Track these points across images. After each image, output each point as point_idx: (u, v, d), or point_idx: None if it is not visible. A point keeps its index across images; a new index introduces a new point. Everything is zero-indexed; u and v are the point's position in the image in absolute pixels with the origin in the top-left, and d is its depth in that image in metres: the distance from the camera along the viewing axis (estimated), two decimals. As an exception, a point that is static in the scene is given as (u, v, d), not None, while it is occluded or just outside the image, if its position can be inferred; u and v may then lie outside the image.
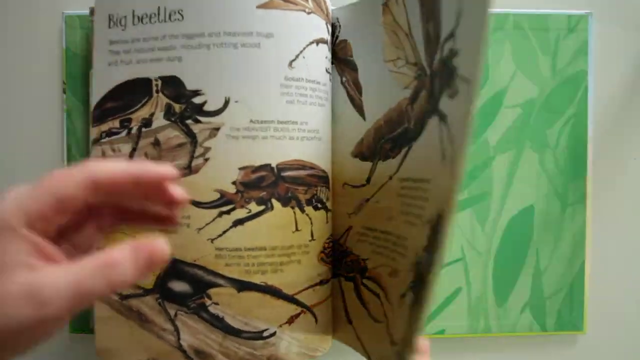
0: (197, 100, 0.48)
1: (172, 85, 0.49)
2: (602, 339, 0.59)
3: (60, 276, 0.24)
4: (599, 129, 0.58)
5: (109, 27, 0.50)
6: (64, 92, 0.54)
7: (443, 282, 0.56)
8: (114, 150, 0.50)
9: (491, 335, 0.57)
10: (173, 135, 0.49)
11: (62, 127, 0.54)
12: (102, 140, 0.50)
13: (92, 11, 0.52)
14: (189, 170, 0.48)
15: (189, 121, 0.48)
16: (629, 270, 0.59)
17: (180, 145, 0.49)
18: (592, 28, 0.56)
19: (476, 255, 0.56)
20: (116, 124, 0.50)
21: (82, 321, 0.54)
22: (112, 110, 0.50)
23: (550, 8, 0.56)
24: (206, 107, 0.48)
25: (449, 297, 0.56)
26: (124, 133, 0.50)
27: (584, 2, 0.57)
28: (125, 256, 0.26)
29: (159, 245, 0.26)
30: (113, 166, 0.28)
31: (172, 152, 0.49)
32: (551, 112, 0.56)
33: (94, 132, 0.50)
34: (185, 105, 0.48)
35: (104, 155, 0.50)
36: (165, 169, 0.29)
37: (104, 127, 0.50)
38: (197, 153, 0.48)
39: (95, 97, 0.50)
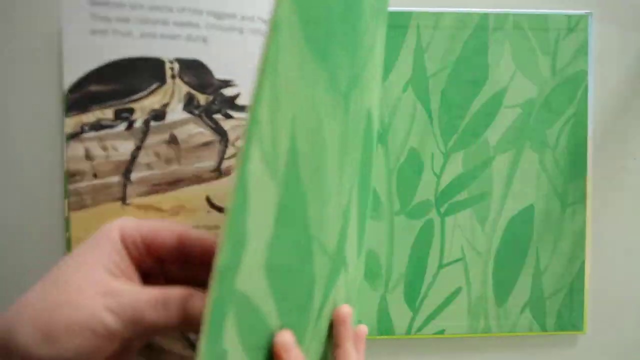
0: (227, 92, 0.41)
1: (195, 70, 0.40)
2: (602, 339, 0.59)
3: (129, 292, 0.27)
4: (599, 129, 0.58)
5: None
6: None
7: (443, 282, 0.56)
8: (104, 149, 0.41)
9: (491, 335, 0.57)
10: (196, 132, 0.41)
11: (62, 127, 0.53)
12: (85, 135, 0.40)
13: None
14: (218, 172, 0.42)
15: (217, 116, 0.41)
16: (629, 270, 0.60)
17: (206, 143, 0.41)
18: (592, 28, 0.56)
19: (476, 255, 0.56)
20: (108, 114, 0.40)
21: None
22: (100, 95, 0.40)
23: (550, 8, 0.56)
24: (239, 101, 0.41)
25: (449, 297, 0.56)
26: (121, 127, 0.40)
27: (584, 2, 0.57)
28: (176, 299, 0.27)
29: (196, 300, 0.27)
30: (203, 233, 0.31)
31: (196, 152, 0.41)
32: (551, 112, 0.56)
33: (70, 123, 0.40)
34: (213, 96, 0.41)
35: (88, 154, 0.41)
36: None
37: (87, 117, 0.40)
38: (228, 153, 0.42)
39: (69, 76, 0.39)
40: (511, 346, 0.58)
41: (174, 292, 0.27)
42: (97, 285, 0.27)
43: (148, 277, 0.31)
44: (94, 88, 0.40)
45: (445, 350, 0.57)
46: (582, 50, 0.56)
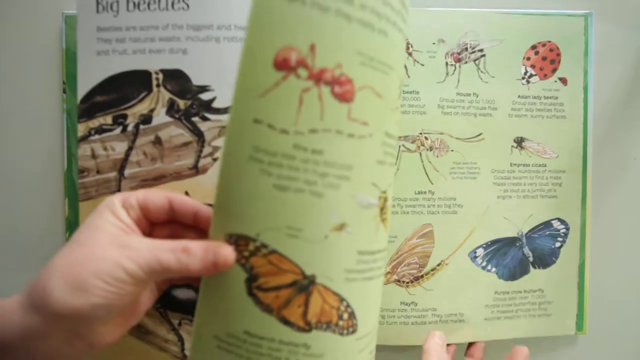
0: (205, 96, 0.46)
1: (176, 79, 0.46)
2: (602, 339, 0.59)
3: (143, 243, 0.32)
4: (599, 129, 0.58)
5: (97, 11, 0.46)
6: (64, 92, 0.53)
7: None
8: (105, 149, 0.47)
9: (491, 335, 0.57)
10: (177, 133, 0.46)
11: (62, 127, 0.54)
12: (91, 138, 0.47)
13: None
14: (195, 170, 0.46)
15: (195, 118, 0.46)
16: (629, 270, 0.60)
17: (185, 144, 0.46)
18: (592, 28, 0.56)
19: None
20: (108, 119, 0.47)
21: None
22: (102, 104, 0.47)
23: (550, 8, 0.56)
24: (215, 104, 0.46)
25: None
26: (117, 130, 0.47)
27: (584, 2, 0.57)
28: (197, 250, 0.32)
29: (225, 251, 0.33)
30: (188, 198, 0.37)
31: (176, 152, 0.47)
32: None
33: (81, 128, 0.47)
34: (191, 101, 0.46)
35: (93, 154, 0.47)
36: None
37: (93, 123, 0.47)
38: (204, 152, 0.46)
39: (81, 90, 0.47)
40: (511, 346, 0.58)
41: (196, 242, 0.33)
42: (114, 240, 0.32)
43: None
44: (98, 99, 0.47)
45: (445, 350, 0.57)
46: (582, 50, 0.56)
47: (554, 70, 0.56)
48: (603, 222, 0.58)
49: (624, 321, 0.60)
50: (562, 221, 0.57)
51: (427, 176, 0.54)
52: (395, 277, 0.54)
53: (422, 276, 0.54)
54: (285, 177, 0.32)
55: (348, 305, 0.35)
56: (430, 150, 0.54)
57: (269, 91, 0.31)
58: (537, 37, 0.55)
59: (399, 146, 0.53)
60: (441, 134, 0.54)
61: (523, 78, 0.55)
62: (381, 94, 0.34)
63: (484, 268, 0.56)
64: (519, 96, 0.55)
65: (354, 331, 0.35)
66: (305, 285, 0.34)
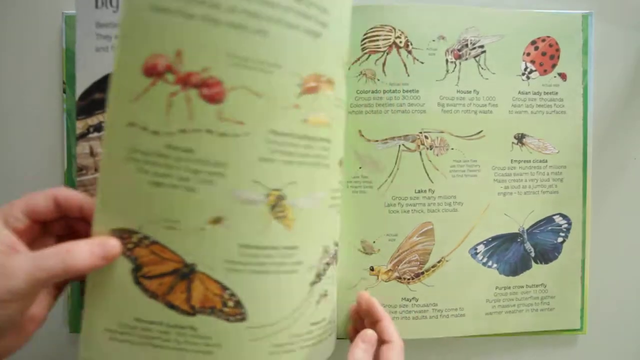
0: None
1: None
2: (602, 339, 0.59)
3: (23, 258, 0.32)
4: (599, 129, 0.58)
5: (96, 7, 0.46)
6: (64, 92, 0.53)
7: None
8: None
9: (491, 336, 0.56)
10: None
11: (62, 127, 0.54)
12: (90, 136, 0.48)
13: None
14: None
15: None
16: (629, 270, 0.59)
17: None
18: (592, 28, 0.56)
19: (476, 254, 0.56)
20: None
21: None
22: (101, 102, 0.47)
23: (550, 8, 0.56)
24: None
25: (449, 296, 0.56)
26: None
27: (584, 2, 0.57)
28: (82, 249, 0.33)
29: (111, 242, 0.35)
30: (72, 192, 0.38)
31: None
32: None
33: (80, 125, 0.48)
34: None
35: (92, 152, 0.48)
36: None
37: (92, 120, 0.47)
38: None
39: (80, 86, 0.47)
40: (511, 346, 0.58)
41: (78, 241, 0.34)
42: None
43: (61, 239, 0.38)
44: (97, 96, 0.47)
45: (445, 351, 0.57)
46: (582, 50, 0.56)
47: (554, 66, 0.56)
48: (603, 221, 0.58)
49: (624, 321, 0.60)
50: (564, 216, 0.57)
51: (427, 175, 0.54)
52: (396, 274, 0.54)
53: (422, 273, 0.54)
54: (160, 175, 0.35)
55: (233, 294, 0.37)
56: (430, 149, 0.54)
57: (140, 96, 0.34)
58: (537, 32, 0.56)
59: (399, 146, 0.53)
60: (441, 132, 0.54)
61: (523, 74, 0.55)
62: (261, 93, 0.35)
63: (484, 264, 0.55)
64: (519, 92, 0.55)
65: (242, 319, 0.37)
66: (186, 273, 0.36)
